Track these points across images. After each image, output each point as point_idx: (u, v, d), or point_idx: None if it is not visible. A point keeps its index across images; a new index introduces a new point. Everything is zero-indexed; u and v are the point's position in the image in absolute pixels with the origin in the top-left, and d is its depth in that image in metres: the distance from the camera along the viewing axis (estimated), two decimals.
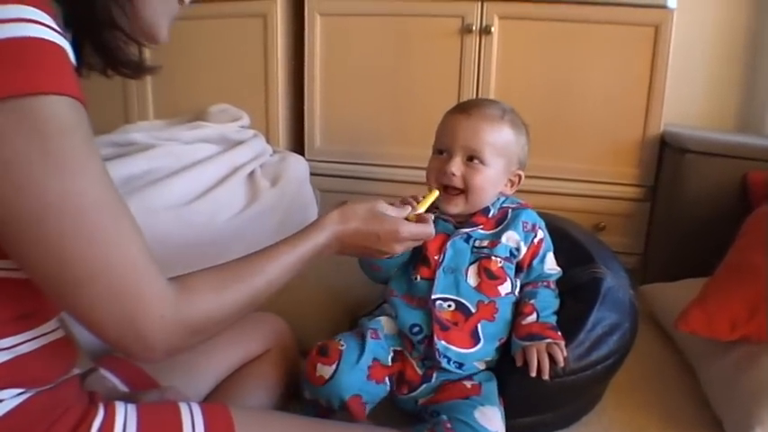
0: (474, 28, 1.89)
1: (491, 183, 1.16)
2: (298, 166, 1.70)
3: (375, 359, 1.09)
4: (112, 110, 2.32)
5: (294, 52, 2.15)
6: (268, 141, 1.97)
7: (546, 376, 1.03)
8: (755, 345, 1.21)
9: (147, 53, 2.25)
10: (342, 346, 1.08)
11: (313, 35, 2.07)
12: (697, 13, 2.12)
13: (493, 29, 1.89)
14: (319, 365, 1.05)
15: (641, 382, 1.34)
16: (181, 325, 0.67)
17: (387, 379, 1.11)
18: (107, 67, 0.74)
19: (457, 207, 1.16)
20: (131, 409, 0.73)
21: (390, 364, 1.12)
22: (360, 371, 1.07)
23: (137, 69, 0.75)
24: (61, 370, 0.73)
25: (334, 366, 1.05)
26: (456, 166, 1.14)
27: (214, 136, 1.65)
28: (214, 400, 1.02)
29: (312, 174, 1.97)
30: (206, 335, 0.72)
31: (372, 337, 1.11)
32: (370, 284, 1.34)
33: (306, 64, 2.10)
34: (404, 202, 1.03)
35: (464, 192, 1.15)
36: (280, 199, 1.55)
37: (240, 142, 1.66)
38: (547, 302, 1.14)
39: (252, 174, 1.57)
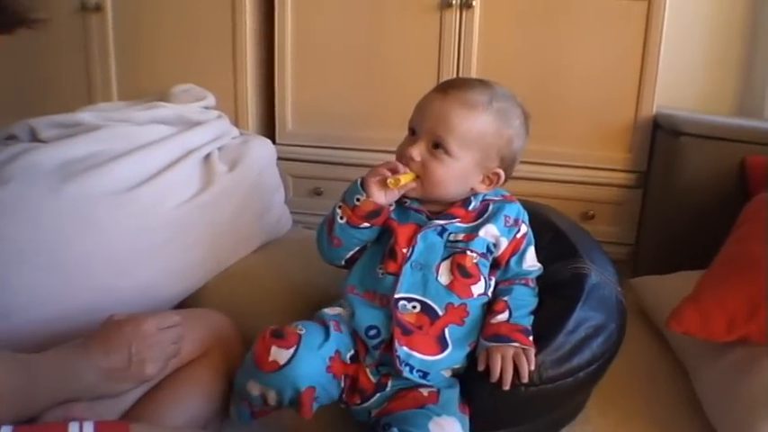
0: (454, 2, 1.80)
1: (454, 178, 1.03)
2: (261, 150, 1.56)
3: (337, 350, 0.95)
4: (75, 93, 2.20)
5: (264, 30, 2.04)
6: (237, 125, 1.84)
7: (506, 387, 0.92)
8: (755, 347, 1.10)
9: (111, 32, 2.16)
10: (301, 330, 0.93)
11: (283, 11, 1.95)
12: None
13: (474, 2, 1.79)
14: (274, 349, 0.89)
15: (629, 387, 1.23)
16: None
17: (342, 378, 0.97)
18: None
19: (413, 191, 1.04)
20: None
21: (349, 362, 0.98)
22: (320, 358, 0.92)
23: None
24: None
25: (291, 350, 0.89)
26: (417, 151, 1.02)
27: (171, 117, 1.51)
28: (143, 411, 0.90)
29: (283, 159, 1.87)
30: None
31: (335, 330, 0.96)
32: (333, 276, 1.23)
33: (276, 42, 1.99)
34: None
35: (420, 178, 1.03)
36: (237, 184, 1.41)
37: (199, 123, 1.53)
38: (522, 301, 1.02)
39: (208, 157, 1.43)
